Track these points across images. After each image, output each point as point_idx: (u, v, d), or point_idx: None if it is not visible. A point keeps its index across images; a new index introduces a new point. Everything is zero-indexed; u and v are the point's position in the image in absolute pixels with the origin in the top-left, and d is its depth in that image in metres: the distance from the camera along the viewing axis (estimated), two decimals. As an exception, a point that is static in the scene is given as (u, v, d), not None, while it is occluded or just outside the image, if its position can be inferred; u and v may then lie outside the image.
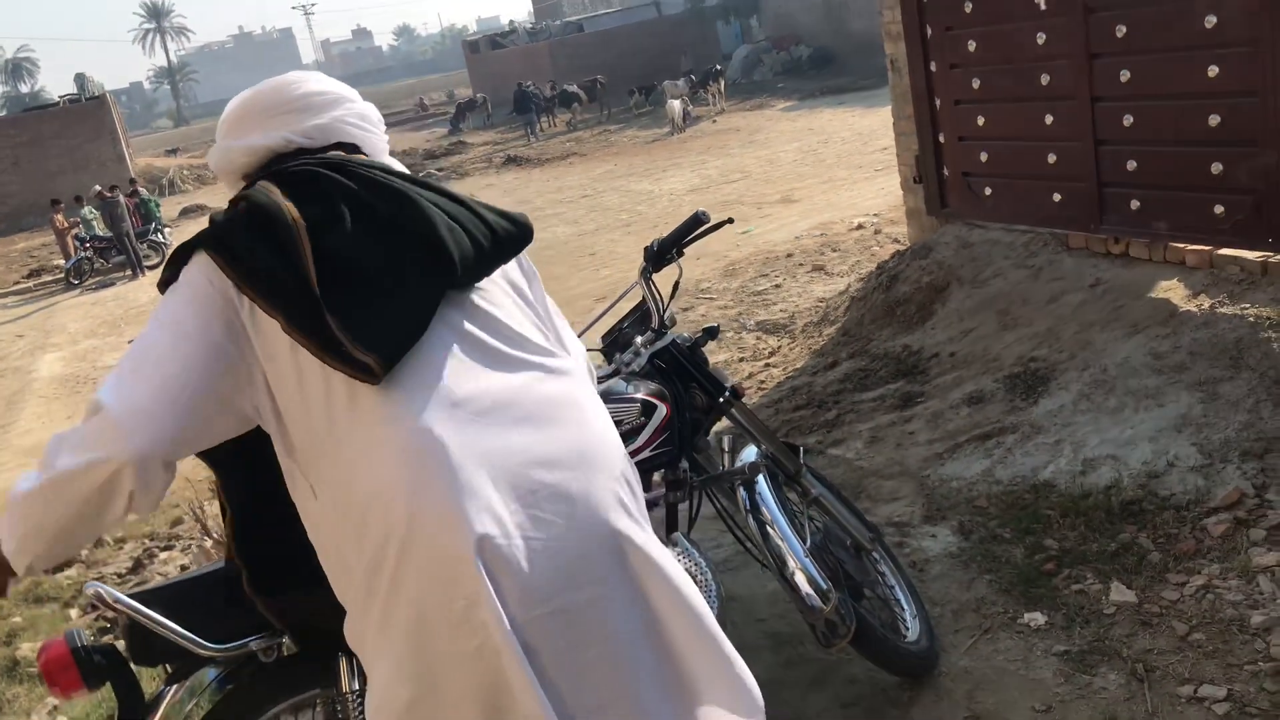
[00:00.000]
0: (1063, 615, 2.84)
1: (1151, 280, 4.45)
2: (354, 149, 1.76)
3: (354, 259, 1.57)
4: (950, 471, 3.80)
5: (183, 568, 5.74)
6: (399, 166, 1.79)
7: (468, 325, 1.63)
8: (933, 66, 5.49)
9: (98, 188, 19.65)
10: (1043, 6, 4.66)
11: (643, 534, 1.65)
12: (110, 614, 1.99)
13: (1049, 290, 4.77)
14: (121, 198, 18.50)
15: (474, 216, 1.68)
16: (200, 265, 1.58)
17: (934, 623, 2.85)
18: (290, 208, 1.57)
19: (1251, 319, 3.90)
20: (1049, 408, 3.97)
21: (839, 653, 2.68)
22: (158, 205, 20.21)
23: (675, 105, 23.44)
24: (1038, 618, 2.85)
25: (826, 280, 8.24)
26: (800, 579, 2.38)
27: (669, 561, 1.66)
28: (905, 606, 2.78)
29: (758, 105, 26.09)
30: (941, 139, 5.59)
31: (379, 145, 1.82)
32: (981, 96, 5.24)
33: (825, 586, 2.37)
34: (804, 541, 2.48)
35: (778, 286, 8.61)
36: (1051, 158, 4.91)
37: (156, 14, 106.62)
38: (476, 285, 1.67)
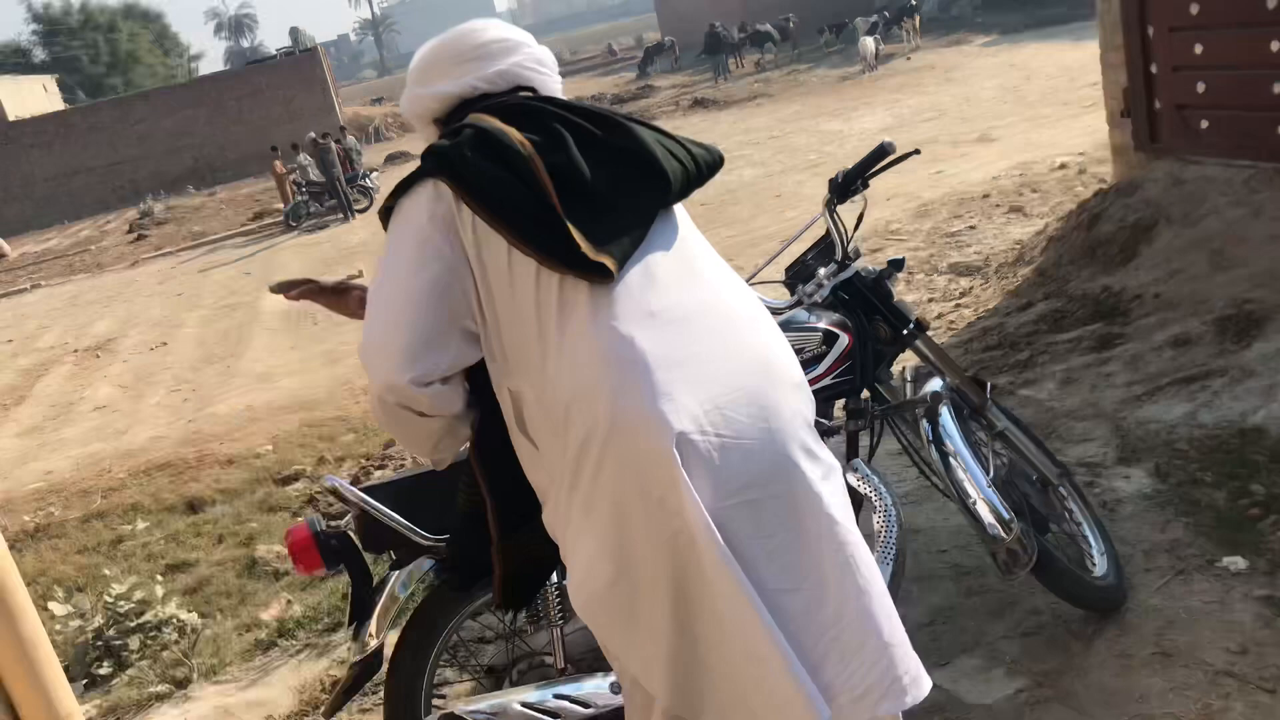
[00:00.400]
0: (1267, 561, 2.74)
1: (1389, 218, 4.12)
2: (532, 92, 1.86)
3: (580, 176, 1.69)
4: (1149, 414, 3.68)
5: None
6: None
7: (668, 243, 1.76)
8: (1147, -9, 5.18)
9: (311, 135, 20.88)
10: (1274, -79, 4.34)
11: (822, 452, 1.74)
12: (344, 506, 2.23)
13: (1270, 229, 4.48)
14: (333, 144, 19.60)
15: (677, 143, 1.80)
16: (421, 194, 1.72)
17: (1123, 562, 2.81)
18: (515, 132, 1.70)
19: None
20: (1264, 351, 3.76)
21: (1020, 582, 2.70)
22: (358, 153, 21.28)
23: (868, 42, 22.78)
24: (1238, 562, 2.76)
25: (1025, 222, 7.94)
26: (982, 508, 2.40)
27: (836, 495, 1.72)
28: (1092, 543, 2.75)
29: (955, 41, 25.01)
30: (1154, 69, 5.28)
31: (554, 88, 1.92)
32: (1200, 23, 4.92)
33: (1007, 516, 2.39)
34: (987, 473, 2.49)
35: (972, 228, 8.35)
36: (1277, 87, 4.57)
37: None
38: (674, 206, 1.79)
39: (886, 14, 27.09)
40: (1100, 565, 2.71)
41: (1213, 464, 3.24)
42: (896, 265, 2.76)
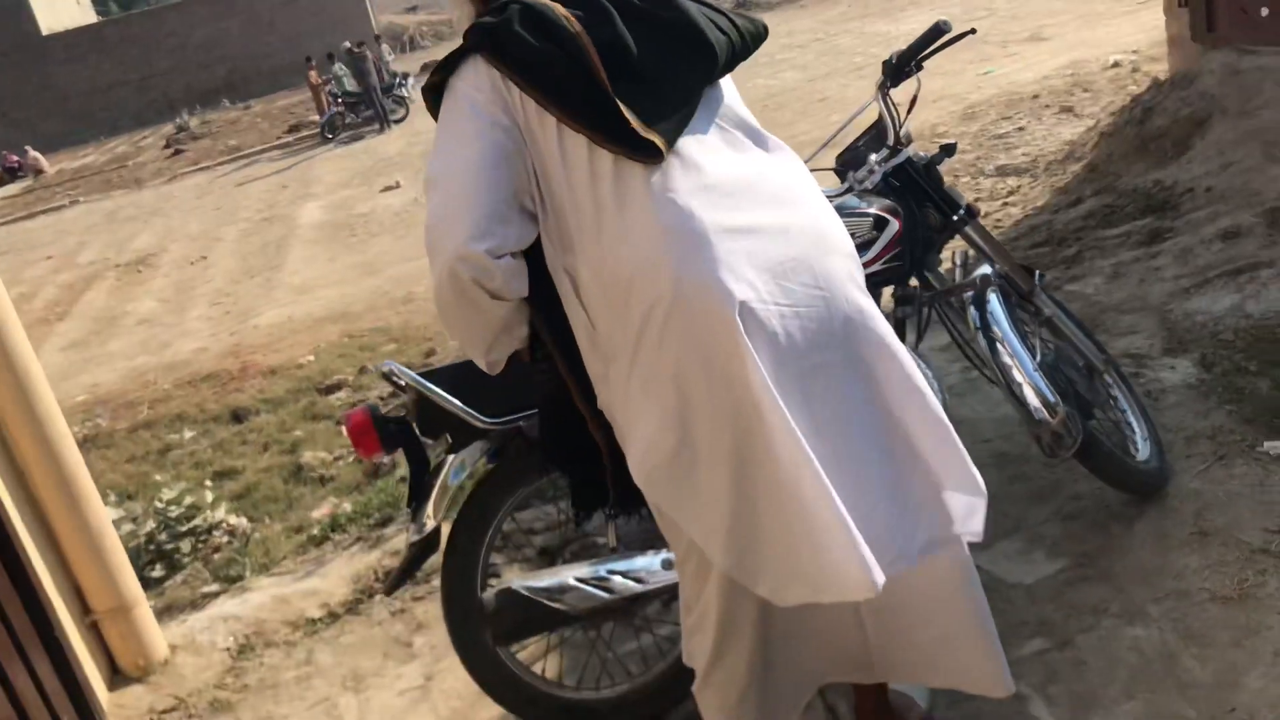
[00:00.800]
0: (1308, 446, 2.75)
1: None
2: None
3: (628, 52, 1.69)
4: (1196, 306, 3.65)
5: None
6: None
7: (716, 115, 1.76)
8: None
9: (347, 44, 20.73)
10: None
11: (875, 311, 1.76)
12: (402, 388, 2.30)
13: (1328, 119, 4.38)
14: (368, 54, 19.46)
15: (719, 13, 1.78)
16: (470, 71, 1.71)
17: (1166, 448, 2.83)
18: (560, 8, 1.70)
19: None
20: (1315, 243, 3.72)
21: (1062, 468, 2.73)
22: (389, 63, 21.10)
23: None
24: (1279, 446, 2.77)
25: (1075, 122, 7.75)
26: (1028, 392, 2.42)
27: (896, 342, 1.76)
28: (1137, 429, 2.77)
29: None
30: (1214, -45, 5.11)
31: None
32: (1265, -98, 4.73)
33: (1053, 399, 2.41)
34: (1034, 357, 2.51)
35: (1021, 129, 8.17)
36: (1344, -31, 4.42)
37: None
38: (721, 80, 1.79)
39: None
40: (1144, 450, 2.73)
41: (1257, 353, 3.23)
42: (948, 150, 2.73)
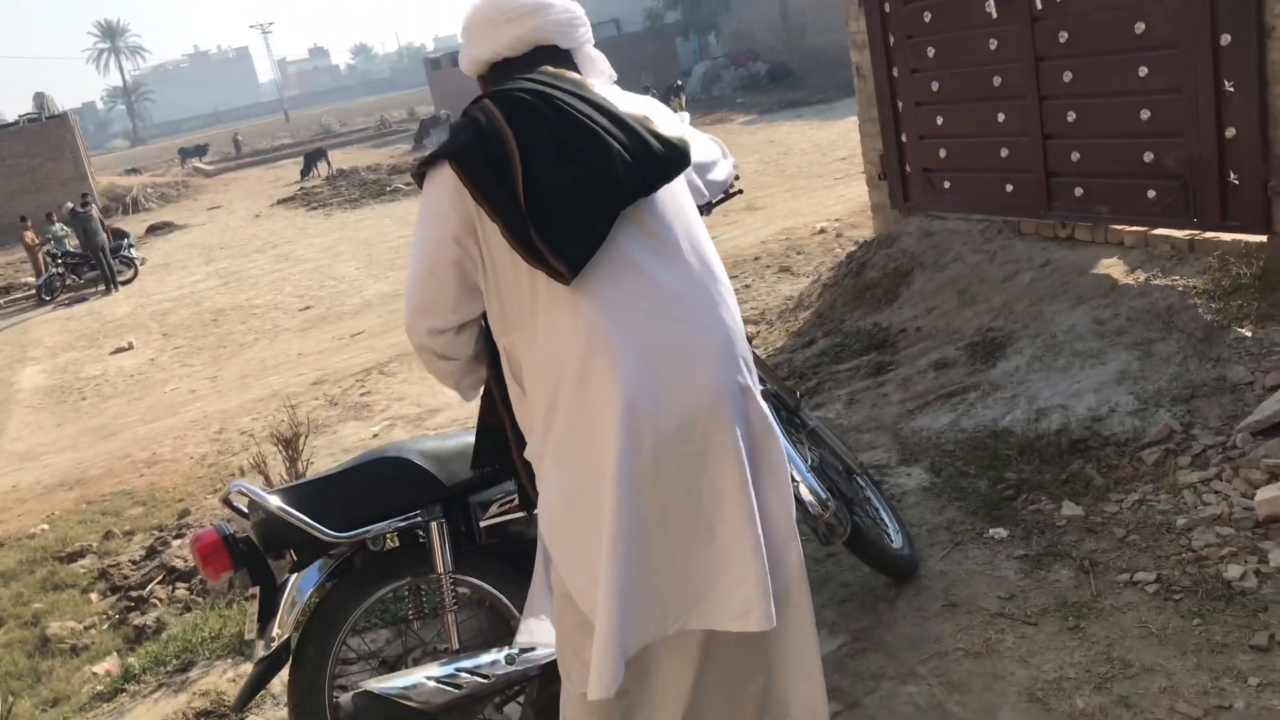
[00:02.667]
0: (1021, 529, 3.33)
1: (1094, 259, 4.98)
2: (555, 49, 2.18)
3: (550, 183, 1.99)
4: (921, 424, 4.29)
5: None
6: (601, 65, 2.25)
7: (635, 233, 2.05)
8: (895, 72, 6.01)
9: (70, 204, 19.76)
10: (994, 15, 5.19)
11: (738, 422, 2.05)
12: (244, 512, 2.40)
13: (1003, 271, 5.29)
14: (95, 213, 18.64)
15: (643, 145, 2.03)
16: (440, 173, 2.04)
17: (914, 538, 3.33)
18: (508, 134, 1.99)
19: (1180, 288, 4.43)
20: (1006, 369, 4.47)
21: (833, 561, 3.15)
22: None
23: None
24: (1001, 532, 3.33)
25: (793, 280, 8.73)
26: (803, 489, 2.83)
27: (742, 457, 2.06)
28: (889, 523, 3.26)
29: (718, 119, 26.69)
30: (904, 138, 6.11)
31: (577, 39, 2.22)
32: (940, 98, 5.76)
33: (824, 496, 2.83)
34: (804, 461, 2.93)
35: (747, 287, 9.08)
36: (1004, 152, 5.44)
37: (111, 34, 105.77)
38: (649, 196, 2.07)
39: (655, 92, 28.55)
40: (898, 541, 3.21)
41: (974, 460, 3.85)
42: None
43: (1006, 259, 5.38)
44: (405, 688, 2.31)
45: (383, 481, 2.46)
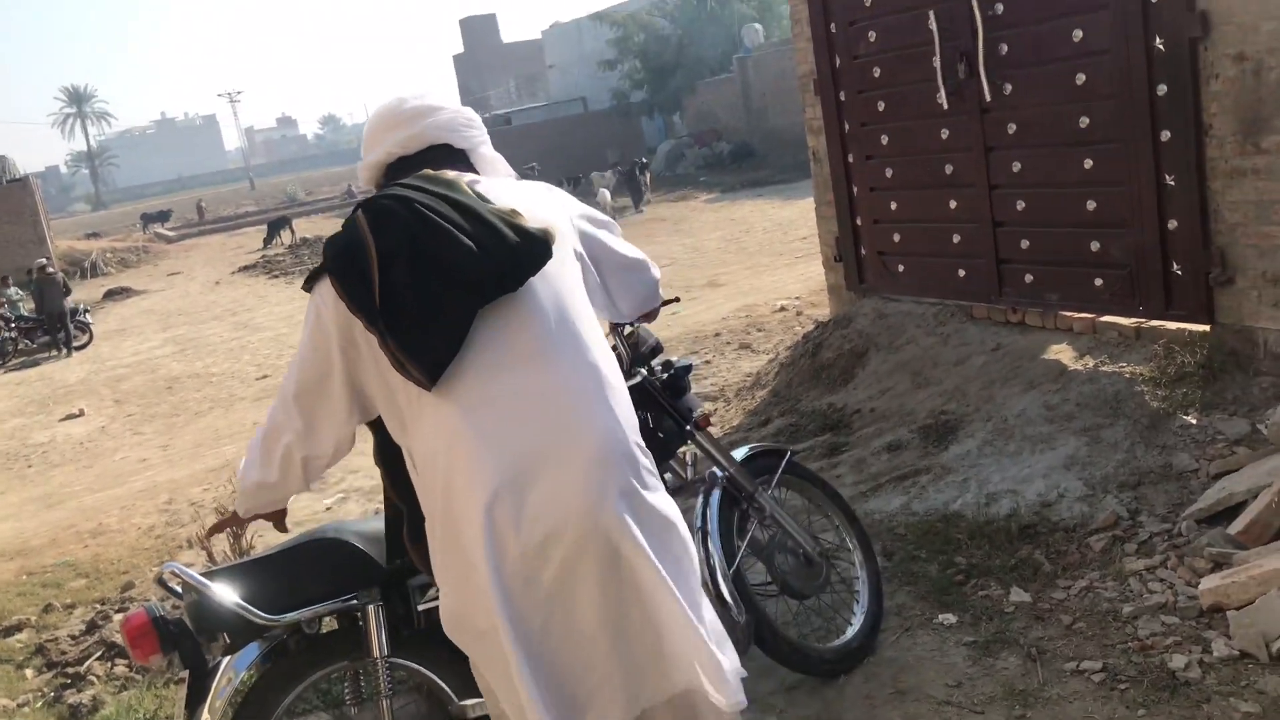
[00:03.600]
0: (970, 615, 3.32)
1: (1044, 344, 5.06)
2: (447, 147, 2.25)
3: (407, 292, 2.01)
4: (873, 506, 4.30)
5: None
6: (498, 165, 2.31)
7: (503, 331, 2.05)
8: (850, 158, 6.14)
9: (38, 262, 19.56)
10: (945, 106, 5.34)
11: (627, 518, 2.02)
12: (178, 593, 2.34)
13: (956, 354, 5.36)
14: (59, 275, 18.45)
15: (499, 241, 2.03)
16: (322, 287, 2.09)
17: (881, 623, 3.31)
18: (370, 242, 2.01)
19: (1128, 375, 4.51)
20: (957, 452, 4.51)
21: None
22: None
23: (605, 194, 24.33)
24: (950, 618, 3.32)
25: (753, 357, 8.79)
26: (723, 589, 2.85)
27: (654, 549, 2.05)
28: (860, 605, 3.25)
29: (682, 197, 27.08)
30: (859, 222, 6.22)
31: (470, 139, 2.29)
32: (893, 184, 5.89)
33: (731, 603, 2.84)
34: (732, 561, 2.93)
35: (708, 363, 9.12)
36: (956, 238, 5.55)
37: (78, 98, 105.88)
38: (519, 291, 2.06)
39: (620, 168, 28.94)
40: (853, 628, 3.20)
41: (925, 543, 3.86)
42: (684, 370, 3.19)
43: (959, 342, 5.46)
44: (335, 778, 2.24)
45: (320, 564, 2.41)
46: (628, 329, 3.03)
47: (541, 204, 2.21)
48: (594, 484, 2.00)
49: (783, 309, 10.86)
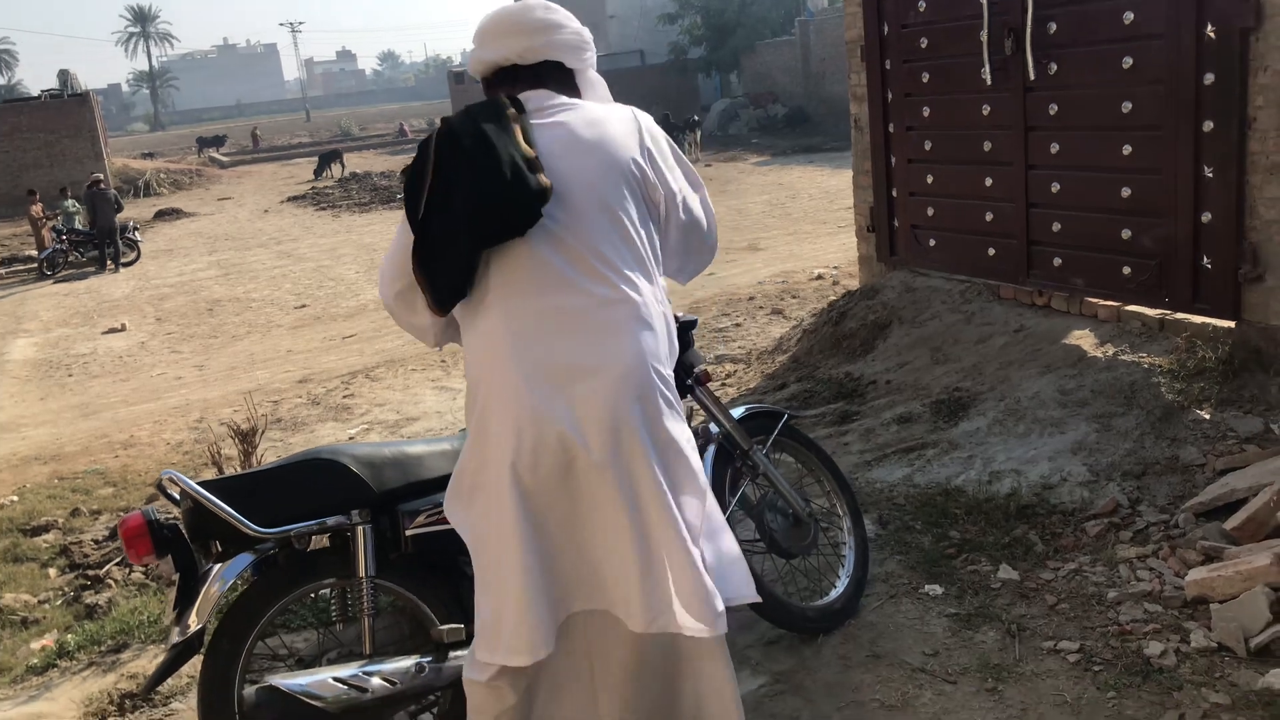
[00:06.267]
0: (957, 588, 3.35)
1: (1067, 329, 5.03)
2: (561, 66, 2.35)
3: (434, 223, 2.18)
4: (876, 476, 4.32)
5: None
6: (600, 91, 2.42)
7: (556, 250, 2.17)
8: (891, 128, 6.09)
9: (96, 176, 19.86)
10: (989, 82, 5.27)
11: (641, 434, 2.14)
12: (175, 499, 2.43)
13: (978, 333, 5.34)
14: (112, 192, 18.71)
15: (507, 195, 2.12)
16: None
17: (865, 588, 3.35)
18: (430, 165, 2.18)
19: (1146, 366, 4.48)
20: (966, 429, 4.51)
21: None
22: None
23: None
24: (936, 589, 3.35)
25: (784, 323, 8.77)
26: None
27: (661, 470, 2.16)
28: (845, 569, 3.29)
29: (731, 157, 26.86)
30: (894, 193, 6.17)
31: (581, 60, 2.38)
32: (931, 157, 5.84)
33: None
34: (722, 511, 2.97)
35: (738, 325, 9.13)
36: (989, 216, 5.50)
37: (142, 18, 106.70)
38: (557, 219, 2.17)
39: (670, 118, 28.68)
40: (837, 590, 3.24)
41: (922, 515, 3.88)
42: (688, 325, 3.21)
43: (983, 321, 5.43)
44: (308, 685, 2.33)
45: (313, 482, 2.48)
46: None
47: (606, 141, 2.26)
48: (616, 399, 2.13)
49: (819, 277, 10.80)
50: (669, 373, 2.24)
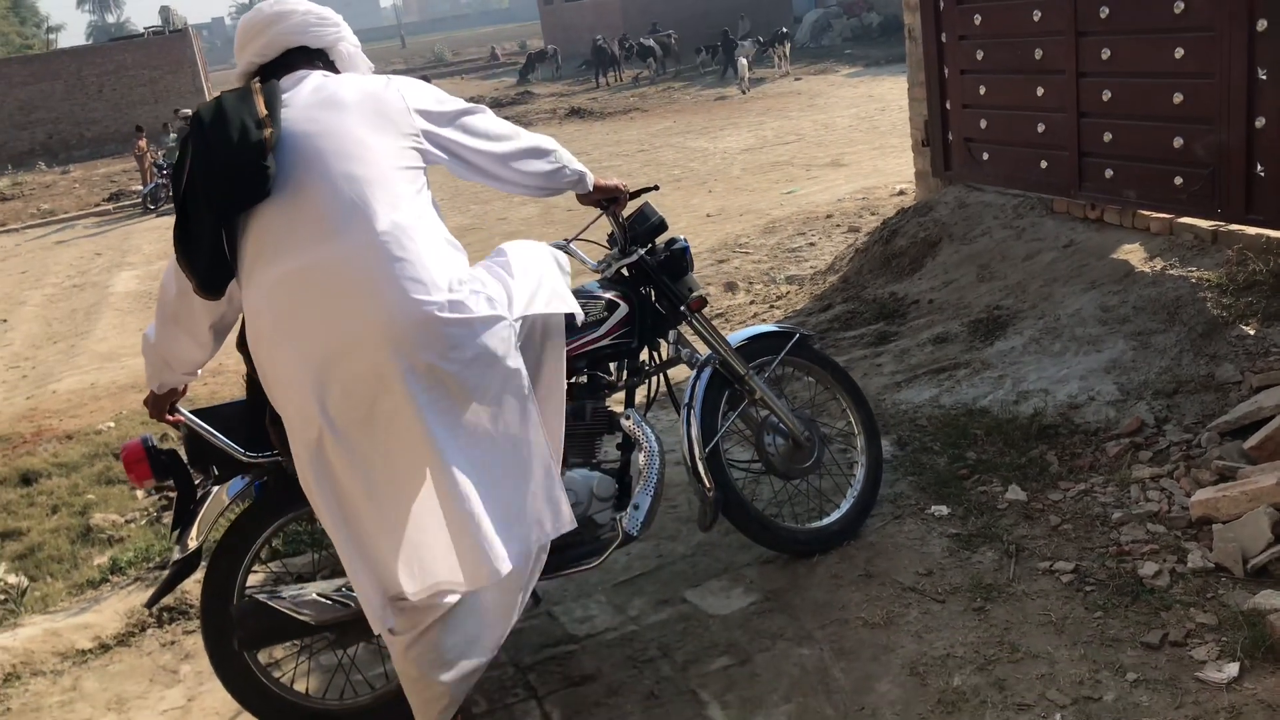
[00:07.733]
0: (963, 509, 3.34)
1: (1117, 243, 4.85)
2: (304, 49, 2.42)
3: (188, 205, 2.22)
4: (903, 397, 4.29)
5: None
6: (357, 61, 2.51)
7: (293, 217, 2.20)
8: (944, 38, 5.88)
9: (187, 111, 20.48)
10: (1039, -15, 5.04)
11: (417, 400, 2.15)
12: (176, 424, 2.59)
13: (1027, 249, 5.19)
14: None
15: (244, 143, 2.15)
16: None
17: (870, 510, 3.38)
18: (185, 158, 2.22)
19: (1194, 280, 4.31)
20: (1001, 349, 4.43)
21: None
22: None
23: (744, 64, 23.71)
24: (942, 509, 3.35)
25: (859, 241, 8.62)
26: (698, 466, 2.95)
27: (448, 423, 2.19)
28: (852, 490, 3.33)
29: (822, 70, 26.13)
30: (948, 105, 5.99)
31: (326, 39, 2.46)
32: (983, 67, 5.63)
33: (706, 482, 2.94)
34: (713, 435, 3.02)
35: (812, 245, 8.98)
36: (1040, 127, 5.30)
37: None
38: (298, 179, 2.20)
39: (761, 39, 28.04)
40: (838, 513, 3.27)
41: (942, 436, 3.86)
42: (682, 250, 3.20)
43: (1033, 236, 5.28)
44: (292, 598, 2.48)
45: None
46: (626, 210, 3.06)
47: (361, 106, 2.29)
48: (380, 369, 2.15)
49: (901, 193, 10.50)
50: (458, 295, 2.20)
